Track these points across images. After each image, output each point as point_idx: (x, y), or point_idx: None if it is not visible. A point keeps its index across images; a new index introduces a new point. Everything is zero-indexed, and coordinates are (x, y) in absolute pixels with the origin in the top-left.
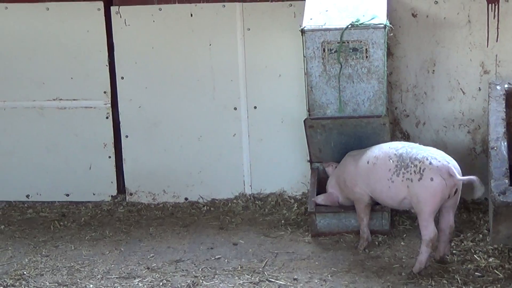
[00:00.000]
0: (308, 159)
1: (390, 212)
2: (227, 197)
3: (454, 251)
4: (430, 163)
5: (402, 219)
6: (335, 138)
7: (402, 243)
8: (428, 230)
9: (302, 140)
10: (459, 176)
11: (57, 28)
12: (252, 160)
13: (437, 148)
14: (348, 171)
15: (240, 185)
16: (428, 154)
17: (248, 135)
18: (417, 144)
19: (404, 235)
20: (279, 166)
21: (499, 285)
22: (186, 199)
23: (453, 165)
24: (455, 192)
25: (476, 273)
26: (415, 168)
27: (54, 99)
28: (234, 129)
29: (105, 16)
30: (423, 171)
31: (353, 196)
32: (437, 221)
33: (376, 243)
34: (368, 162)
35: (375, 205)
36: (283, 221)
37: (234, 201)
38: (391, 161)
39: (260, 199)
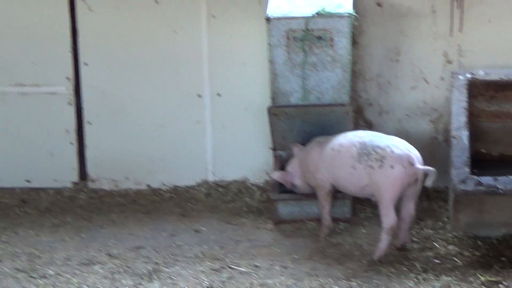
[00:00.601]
0: (271, 146)
1: (352, 200)
2: (189, 184)
3: (414, 239)
4: (392, 151)
5: (363, 207)
6: (298, 126)
7: (363, 230)
8: (388, 218)
9: (266, 128)
10: (419, 165)
11: (19, 12)
12: (215, 147)
13: (400, 137)
14: (312, 156)
15: (203, 172)
16: (390, 142)
17: (211, 122)
18: (381, 134)
19: (365, 223)
20: (242, 153)
21: (458, 272)
22: (148, 186)
23: (414, 154)
24: (416, 181)
25: (435, 260)
26: (377, 155)
27: (15, 85)
28: (197, 116)
29: (69, 1)
30: (384, 159)
31: (314, 182)
32: (398, 209)
33: (338, 230)
34: (332, 149)
35: (337, 193)
36: (245, 209)
37: (197, 188)
38: (354, 148)
39: (222, 186)
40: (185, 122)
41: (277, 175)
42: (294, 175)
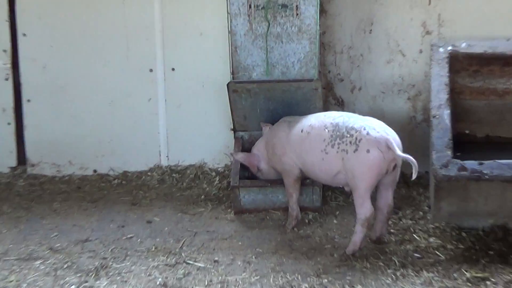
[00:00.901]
0: (232, 127)
1: (322, 187)
2: (140, 169)
3: (392, 230)
4: (368, 133)
5: (335, 195)
6: (261, 104)
7: (334, 221)
8: (363, 208)
9: (226, 106)
10: (398, 151)
11: None
12: (169, 128)
13: (374, 116)
14: (279, 136)
15: (156, 156)
16: (366, 124)
17: (165, 100)
18: (357, 115)
19: (337, 213)
20: (199, 135)
21: (440, 267)
22: (94, 171)
23: (393, 138)
24: (394, 168)
25: (415, 255)
26: (351, 138)
27: None
28: (149, 93)
29: None
30: (359, 141)
31: (280, 167)
32: (374, 198)
33: (306, 221)
34: (302, 131)
35: (305, 180)
36: (203, 197)
37: (149, 173)
38: (326, 130)
39: (177, 171)
40: (135, 100)
41: (240, 156)
42: (260, 157)
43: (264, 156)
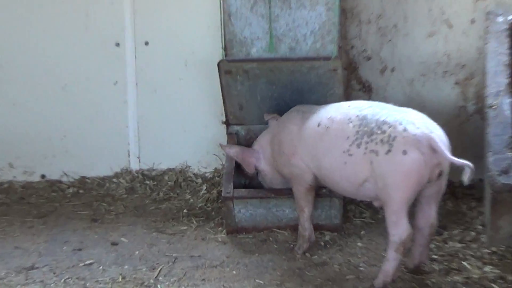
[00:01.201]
0: (224, 120)
1: (343, 199)
2: (103, 174)
3: (435, 257)
4: (405, 129)
5: (359, 210)
6: (263, 89)
7: (359, 244)
8: (398, 228)
9: (216, 92)
10: (446, 152)
11: None
12: (141, 120)
13: (411, 106)
14: (288, 131)
15: (123, 157)
16: (402, 117)
17: (135, 83)
18: (390, 105)
19: (362, 233)
20: (181, 129)
21: None
22: (43, 176)
23: (438, 135)
24: (439, 175)
25: None
26: (383, 136)
27: None
28: (115, 74)
29: None
30: (393, 140)
31: (289, 171)
32: (412, 215)
33: (322, 243)
34: (319, 125)
35: (321, 189)
36: (185, 211)
37: (114, 180)
38: (351, 125)
39: (152, 177)
40: (97, 84)
41: (234, 151)
42: (261, 155)
43: (268, 156)
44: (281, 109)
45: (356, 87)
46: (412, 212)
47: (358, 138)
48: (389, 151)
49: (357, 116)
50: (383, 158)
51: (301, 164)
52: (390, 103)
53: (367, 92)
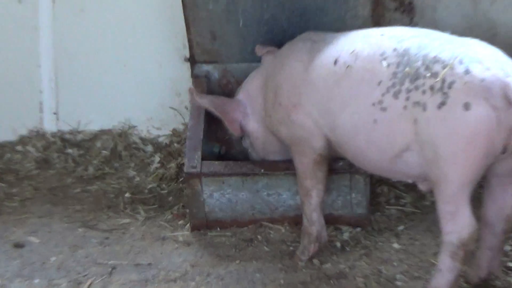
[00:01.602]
0: (187, 56)
1: (370, 178)
2: (1, 138)
3: (511, 264)
4: (467, 71)
5: (395, 193)
6: (247, 9)
7: (395, 245)
8: (456, 222)
9: (175, 13)
10: None
11: None
12: (60, 56)
13: (478, 35)
14: (289, 70)
15: (33, 112)
16: (464, 52)
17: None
18: (445, 34)
19: (400, 228)
20: (120, 70)
21: None
22: None
23: None
24: None
25: None
26: (434, 80)
27: None
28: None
29: None
30: (449, 87)
31: (287, 133)
32: (477, 204)
33: (339, 245)
34: (336, 62)
35: (336, 162)
36: (128, 195)
37: (19, 147)
38: (384, 63)
39: (77, 144)
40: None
41: (209, 100)
42: (249, 110)
43: (258, 109)
44: (275, 40)
45: (391, 5)
46: (478, 199)
47: (396, 83)
48: (443, 104)
49: (395, 50)
50: (434, 115)
51: (306, 122)
52: (444, 30)
53: (407, 13)
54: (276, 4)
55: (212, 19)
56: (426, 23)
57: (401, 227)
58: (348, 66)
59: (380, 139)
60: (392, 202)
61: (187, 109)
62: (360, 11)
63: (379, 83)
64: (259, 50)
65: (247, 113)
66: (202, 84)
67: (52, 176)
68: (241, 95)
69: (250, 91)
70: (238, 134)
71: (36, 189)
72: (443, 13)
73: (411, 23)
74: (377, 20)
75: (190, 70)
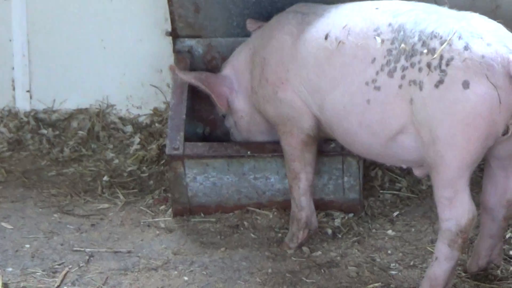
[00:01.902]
0: (169, 30)
1: (363, 161)
2: None
3: None
4: (466, 46)
5: (390, 176)
6: None
7: (389, 232)
8: (454, 208)
9: None
10: None
11: None
12: (32, 30)
13: (480, 9)
14: (277, 44)
15: (5, 90)
16: (463, 26)
17: None
18: (443, 8)
19: (395, 214)
20: (98, 45)
21: None
22: None
23: None
24: None
25: None
26: (431, 57)
27: None
28: None
29: None
30: (447, 65)
31: (274, 112)
32: (476, 190)
33: (329, 231)
34: (326, 37)
35: (327, 143)
36: (106, 178)
37: None
38: (378, 39)
39: (51, 124)
40: None
41: (193, 76)
42: (235, 86)
43: (245, 85)
44: (263, 12)
45: None
46: (477, 183)
47: (391, 61)
48: (440, 82)
49: (390, 25)
50: (431, 94)
51: (294, 100)
52: (444, 4)
53: None
54: None
55: None
56: None
57: (396, 213)
58: (339, 42)
59: (373, 120)
60: (386, 187)
61: (169, 87)
62: None
63: (373, 60)
64: (250, 25)
65: (233, 89)
66: (185, 60)
67: (25, 158)
68: (227, 70)
69: (236, 66)
70: (226, 110)
71: (8, 172)
72: None
73: None
74: None
75: (172, 45)
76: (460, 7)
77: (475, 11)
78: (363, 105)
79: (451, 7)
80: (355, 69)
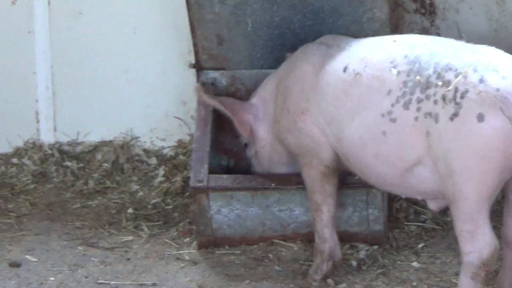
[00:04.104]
0: (193, 62)
1: (388, 194)
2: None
3: None
4: (482, 79)
5: (414, 208)
6: (256, 11)
7: (414, 263)
8: (476, 241)
9: (179, 15)
10: None
11: None
12: (57, 62)
13: (499, 42)
14: (299, 74)
15: (29, 122)
16: (478, 59)
17: (47, 1)
18: (460, 42)
19: (420, 246)
20: (122, 77)
21: None
22: None
23: None
24: None
25: None
26: (446, 89)
27: None
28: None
29: None
30: (462, 97)
31: (294, 141)
32: (497, 220)
33: (354, 264)
34: (345, 69)
35: (351, 175)
36: (131, 211)
37: (14, 160)
38: (394, 71)
39: (76, 156)
40: None
41: (218, 101)
42: (261, 115)
43: (269, 113)
44: (286, 44)
45: (410, 7)
46: (496, 215)
47: (406, 93)
48: (455, 115)
49: (406, 56)
50: (446, 127)
51: (313, 131)
52: (468, 33)
53: (428, 15)
54: (287, 6)
55: (219, 22)
56: (448, 26)
57: (421, 245)
58: (357, 74)
59: (389, 152)
60: (411, 218)
61: (193, 119)
62: (377, 13)
63: (389, 92)
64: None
65: (259, 117)
66: (209, 92)
67: (49, 191)
68: (254, 99)
69: (263, 95)
70: (248, 136)
71: (33, 205)
72: (467, 15)
73: (432, 25)
74: (396, 22)
75: (195, 77)
76: (484, 38)
77: (499, 42)
78: (379, 136)
79: (474, 37)
80: (371, 101)
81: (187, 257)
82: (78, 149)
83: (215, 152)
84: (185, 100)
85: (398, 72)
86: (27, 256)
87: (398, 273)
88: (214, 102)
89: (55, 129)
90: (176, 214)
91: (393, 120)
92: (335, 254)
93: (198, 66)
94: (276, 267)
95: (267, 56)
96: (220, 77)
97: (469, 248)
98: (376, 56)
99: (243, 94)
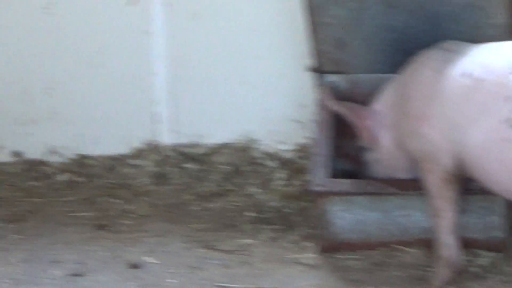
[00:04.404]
0: (312, 65)
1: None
2: (115, 152)
3: None
4: None
5: None
6: (376, 15)
7: None
8: None
9: (298, 18)
10: None
11: None
12: (175, 64)
13: None
14: (420, 79)
15: (147, 123)
16: None
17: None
18: None
19: None
20: (240, 80)
21: None
22: (16, 154)
23: None
24: None
25: None
26: None
27: None
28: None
29: None
30: None
31: (415, 147)
32: None
33: (476, 271)
34: (463, 74)
35: (471, 181)
36: (247, 213)
37: (133, 161)
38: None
39: (195, 158)
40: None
41: (342, 107)
42: (383, 120)
43: (390, 119)
44: (406, 49)
45: None
46: None
47: None
48: None
49: None
50: None
51: (434, 136)
52: None
53: None
54: (407, 11)
55: (338, 26)
56: None
57: None
58: (477, 80)
59: (509, 160)
60: None
61: (312, 122)
62: (497, 18)
63: (507, 98)
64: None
65: (380, 123)
66: (329, 94)
67: (168, 192)
68: (377, 105)
69: (385, 101)
70: (370, 142)
71: (151, 206)
72: None
73: None
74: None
75: (314, 80)
76: None
77: None
78: (500, 143)
79: None
80: (490, 107)
81: (307, 261)
82: (198, 151)
83: (335, 156)
84: (304, 103)
85: None
86: (147, 258)
87: None
88: (338, 107)
89: (174, 130)
90: (295, 218)
91: None
92: (456, 261)
93: (317, 70)
94: (395, 273)
95: (386, 60)
96: (339, 81)
97: None
98: (496, 62)
99: (362, 98)
